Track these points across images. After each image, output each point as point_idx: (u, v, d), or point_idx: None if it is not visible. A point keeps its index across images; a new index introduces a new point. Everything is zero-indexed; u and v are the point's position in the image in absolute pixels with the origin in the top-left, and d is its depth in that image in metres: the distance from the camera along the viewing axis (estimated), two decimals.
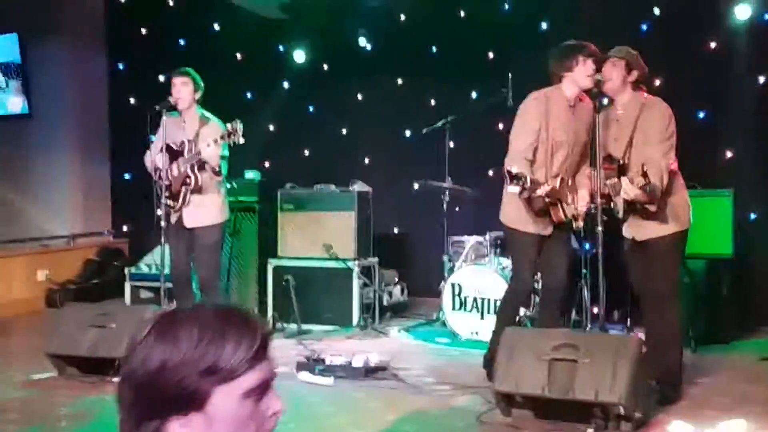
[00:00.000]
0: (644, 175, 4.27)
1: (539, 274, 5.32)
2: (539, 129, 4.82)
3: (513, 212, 4.97)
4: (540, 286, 5.43)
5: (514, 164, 4.68)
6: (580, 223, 5.06)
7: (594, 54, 4.79)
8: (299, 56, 8.28)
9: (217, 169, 5.60)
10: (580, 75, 4.77)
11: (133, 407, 1.25)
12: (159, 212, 5.67)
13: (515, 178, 4.46)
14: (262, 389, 1.25)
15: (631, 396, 4.04)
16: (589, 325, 5.56)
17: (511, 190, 4.57)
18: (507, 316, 5.12)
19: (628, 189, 4.42)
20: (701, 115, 6.71)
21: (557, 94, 4.87)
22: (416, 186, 7.47)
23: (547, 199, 4.78)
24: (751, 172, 6.49)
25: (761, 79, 6.62)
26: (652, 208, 4.55)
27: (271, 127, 8.71)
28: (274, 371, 1.28)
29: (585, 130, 4.91)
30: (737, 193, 6.26)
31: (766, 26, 6.59)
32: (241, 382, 1.23)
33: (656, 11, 6.86)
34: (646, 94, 4.77)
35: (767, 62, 6.57)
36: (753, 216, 6.64)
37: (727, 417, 4.36)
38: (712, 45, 6.77)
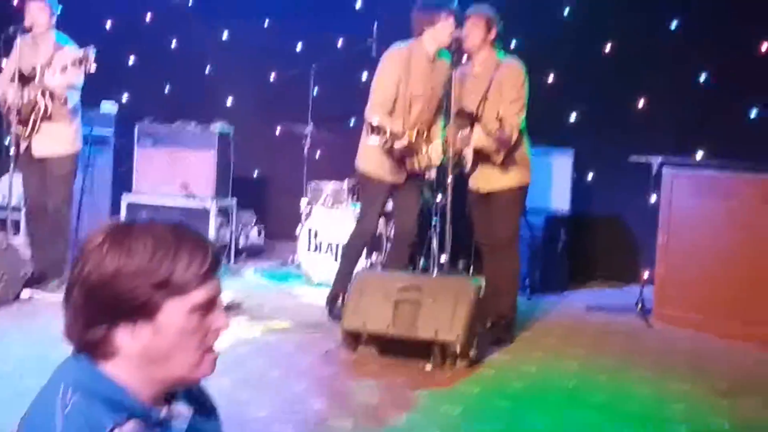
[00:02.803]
0: (499, 121, 4.54)
1: (392, 220, 5.55)
2: (399, 81, 4.99)
3: (370, 160, 5.13)
4: (391, 232, 5.66)
5: (374, 114, 4.85)
6: (433, 173, 5.31)
7: (455, 11, 4.98)
8: None
9: (63, 98, 5.44)
10: (441, 31, 4.95)
11: (83, 311, 1.28)
12: (7, 140, 5.48)
13: (376, 129, 4.63)
14: (209, 305, 1.31)
15: (467, 336, 4.35)
16: (435, 272, 5.86)
17: (372, 142, 4.75)
18: (350, 257, 5.35)
19: (479, 136, 4.69)
20: (550, 78, 7.09)
21: (418, 48, 5.04)
22: (278, 129, 7.52)
23: (404, 150, 4.99)
24: (591, 135, 6.91)
25: (607, 47, 7.05)
26: (498, 159, 4.84)
27: (131, 60, 8.47)
28: (221, 289, 1.34)
29: (441, 85, 5.11)
30: (577, 153, 6.70)
31: None
32: (191, 297, 1.28)
33: None
34: (502, 53, 5.02)
35: (613, 30, 6.97)
36: (590, 176, 7.11)
37: (553, 357, 4.77)
38: (566, 11, 7.14)
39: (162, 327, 1.27)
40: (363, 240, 5.36)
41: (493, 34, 4.95)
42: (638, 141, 6.42)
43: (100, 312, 1.27)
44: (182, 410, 1.37)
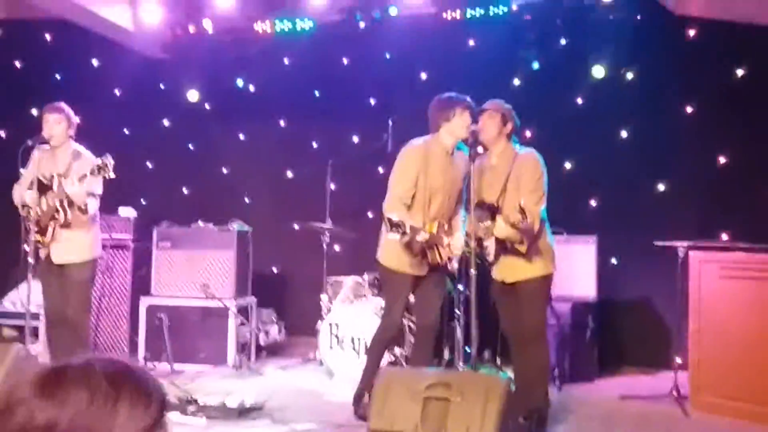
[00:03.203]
0: (521, 211, 4.48)
1: (413, 313, 5.44)
2: (417, 176, 4.98)
3: (391, 254, 5.08)
4: (414, 326, 5.55)
5: (392, 209, 4.82)
6: (455, 265, 5.23)
7: (470, 106, 5.01)
8: (192, 96, 8.16)
9: (83, 206, 5.46)
10: (457, 125, 4.98)
11: None
12: (26, 247, 5.47)
13: (395, 225, 4.60)
14: None
15: None
16: (461, 364, 5.71)
17: (391, 237, 4.70)
18: (377, 353, 5.24)
19: (502, 227, 4.63)
20: (568, 165, 7.09)
21: (436, 143, 5.05)
22: (296, 226, 7.52)
23: (425, 244, 4.94)
24: (613, 220, 6.86)
25: (623, 133, 7.06)
26: (522, 248, 4.77)
27: (149, 164, 8.57)
28: None
29: (460, 178, 5.10)
30: (600, 239, 6.63)
31: (622, 84, 7.03)
32: None
33: (535, 66, 7.22)
34: (518, 145, 5.03)
35: (627, 117, 7.01)
36: (614, 261, 7.02)
37: None
38: (579, 100, 7.18)
39: None
40: (389, 335, 5.25)
41: (509, 128, 4.97)
42: (661, 225, 6.36)
43: None
44: None
